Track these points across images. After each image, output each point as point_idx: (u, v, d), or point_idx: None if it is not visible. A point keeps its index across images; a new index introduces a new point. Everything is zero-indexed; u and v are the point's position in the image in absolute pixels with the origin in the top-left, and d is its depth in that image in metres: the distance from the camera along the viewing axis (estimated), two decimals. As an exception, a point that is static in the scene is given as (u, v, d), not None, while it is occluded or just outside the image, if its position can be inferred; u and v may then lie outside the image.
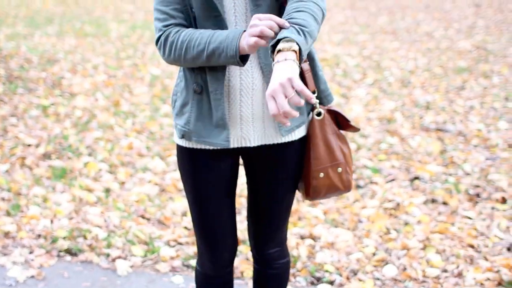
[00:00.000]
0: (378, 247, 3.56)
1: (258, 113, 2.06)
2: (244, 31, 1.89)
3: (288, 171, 2.18)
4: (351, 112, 6.11)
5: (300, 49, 1.73)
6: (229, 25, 2.00)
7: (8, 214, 3.97)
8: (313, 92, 2.07)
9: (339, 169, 2.14)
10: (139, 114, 6.15)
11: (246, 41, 1.83)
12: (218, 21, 1.99)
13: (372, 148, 5.18)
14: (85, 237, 3.66)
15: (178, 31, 2.01)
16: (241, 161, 2.26)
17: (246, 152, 2.18)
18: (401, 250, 3.50)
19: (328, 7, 13.74)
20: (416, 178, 4.56)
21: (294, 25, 1.78)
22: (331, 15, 12.56)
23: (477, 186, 4.40)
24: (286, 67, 1.67)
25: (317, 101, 2.09)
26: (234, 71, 2.03)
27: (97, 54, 8.75)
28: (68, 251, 3.54)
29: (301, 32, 1.77)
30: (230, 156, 2.16)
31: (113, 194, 4.31)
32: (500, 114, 6.09)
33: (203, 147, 2.11)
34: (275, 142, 2.11)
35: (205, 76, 2.05)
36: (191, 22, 2.05)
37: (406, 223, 3.85)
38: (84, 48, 9.28)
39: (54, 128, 5.61)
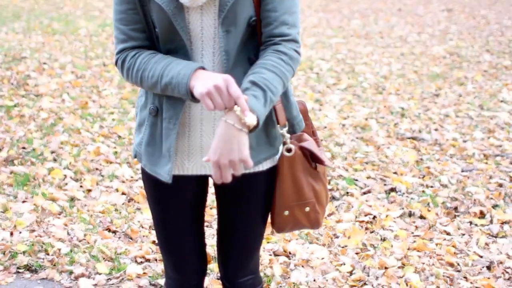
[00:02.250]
0: (355, 265, 3.42)
1: None
2: (200, 68, 1.77)
3: (256, 201, 2.05)
4: (325, 119, 5.98)
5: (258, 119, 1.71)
6: (195, 50, 1.87)
7: (-36, 226, 3.75)
8: (284, 125, 1.95)
9: (307, 209, 2.02)
10: (107, 117, 5.94)
11: (198, 90, 1.71)
12: (182, 46, 1.85)
13: (347, 157, 5.04)
14: (46, 252, 3.46)
15: (135, 55, 1.87)
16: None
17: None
18: (379, 270, 3.36)
19: (301, 8, 13.63)
20: (393, 190, 4.44)
21: (258, 87, 1.74)
22: (304, 17, 12.43)
23: (455, 199, 4.30)
24: (233, 138, 1.68)
25: (287, 136, 1.95)
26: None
27: (65, 52, 8.48)
28: (28, 268, 3.34)
29: (266, 101, 1.74)
30: (194, 183, 2.04)
31: (78, 204, 4.11)
32: (475, 123, 6.02)
33: None
34: (243, 170, 1.96)
35: (162, 98, 1.91)
36: (154, 42, 1.90)
37: (383, 239, 3.72)
38: (51, 46, 9.00)
39: (18, 131, 5.38)
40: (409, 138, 5.54)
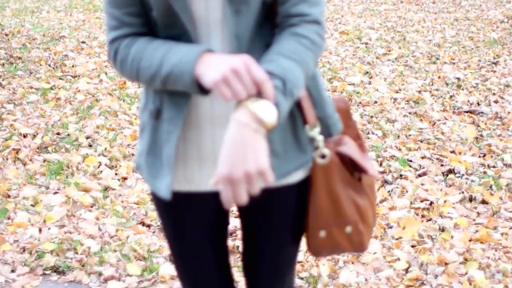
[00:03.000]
0: (412, 261, 3.08)
1: None
2: (207, 50, 1.40)
3: (286, 220, 1.67)
4: (375, 93, 5.59)
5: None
6: (200, 36, 1.49)
7: (-8, 221, 3.55)
8: (314, 126, 1.56)
9: (348, 229, 1.62)
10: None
11: (210, 77, 1.33)
12: (184, 31, 1.47)
13: (399, 135, 4.67)
14: (75, 251, 3.23)
15: (129, 44, 1.50)
16: None
17: None
18: (438, 266, 3.02)
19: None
20: (450, 171, 4.07)
21: (276, 77, 1.36)
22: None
23: (521, 181, 3.90)
24: (247, 142, 1.29)
25: (320, 138, 1.57)
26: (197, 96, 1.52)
27: (104, 30, 8.26)
28: (55, 269, 3.10)
29: (286, 94, 1.36)
30: (211, 200, 1.63)
31: (112, 194, 3.87)
32: (540, 93, 5.55)
33: None
34: (262, 186, 1.55)
35: (164, 98, 1.55)
36: (151, 28, 1.54)
37: (442, 229, 3.37)
38: (91, 24, 8.81)
39: (53, 115, 5.17)
40: (466, 112, 5.13)
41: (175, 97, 1.52)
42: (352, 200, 1.61)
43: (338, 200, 1.59)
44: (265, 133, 1.30)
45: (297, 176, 1.60)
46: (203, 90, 1.40)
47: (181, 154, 1.58)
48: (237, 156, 1.28)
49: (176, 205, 1.63)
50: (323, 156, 1.57)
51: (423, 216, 3.53)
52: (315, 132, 1.56)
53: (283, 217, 1.67)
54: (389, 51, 7.13)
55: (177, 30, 1.48)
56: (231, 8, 1.43)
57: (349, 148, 1.59)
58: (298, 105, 1.54)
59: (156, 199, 1.70)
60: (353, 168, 1.61)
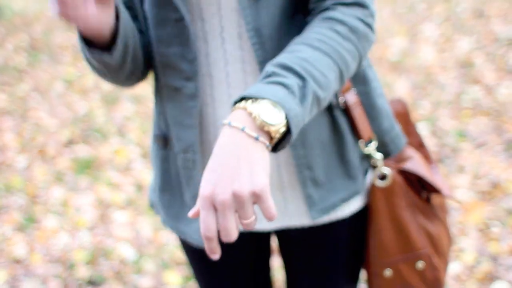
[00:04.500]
0: (480, 252, 2.75)
1: (271, 179, 1.24)
2: None
3: (336, 259, 1.35)
4: (418, 60, 5.19)
5: (288, 126, 0.93)
6: (210, 33, 1.16)
7: (21, 228, 3.31)
8: (369, 140, 1.25)
9: (419, 264, 1.32)
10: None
11: None
12: (182, 28, 1.14)
13: (452, 102, 4.30)
14: (109, 258, 2.97)
15: None
16: None
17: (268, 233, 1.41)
18: (510, 256, 2.69)
19: None
20: (512, 141, 3.70)
21: (291, 71, 0.98)
22: None
23: None
24: (241, 152, 0.89)
25: (378, 155, 1.27)
26: (207, 109, 1.21)
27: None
28: (89, 281, 2.86)
29: (305, 97, 0.96)
30: (250, 240, 1.38)
31: (146, 189, 3.61)
32: None
33: None
34: (304, 224, 1.28)
35: (167, 118, 1.26)
36: (140, 26, 1.23)
37: (510, 211, 3.02)
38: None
39: (81, 105, 4.91)
40: (522, 71, 4.72)
41: (179, 120, 1.22)
42: (423, 227, 1.32)
43: (406, 229, 1.30)
44: (268, 145, 0.92)
45: (347, 209, 1.29)
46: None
47: None
48: (225, 170, 0.87)
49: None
50: (383, 177, 1.27)
51: (487, 195, 3.19)
52: (371, 149, 1.26)
53: (333, 258, 1.35)
54: (431, 7, 6.69)
55: (172, 27, 1.15)
56: None
57: (415, 163, 1.29)
58: (346, 117, 1.23)
59: (183, 244, 1.41)
60: (421, 188, 1.30)
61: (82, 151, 4.13)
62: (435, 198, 1.35)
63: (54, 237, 3.20)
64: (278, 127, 0.91)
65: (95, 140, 4.28)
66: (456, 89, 4.51)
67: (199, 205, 0.88)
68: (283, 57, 1.00)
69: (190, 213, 0.91)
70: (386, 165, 1.27)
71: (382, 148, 1.29)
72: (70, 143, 4.29)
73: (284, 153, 1.21)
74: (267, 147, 0.91)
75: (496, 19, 6.01)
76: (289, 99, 0.93)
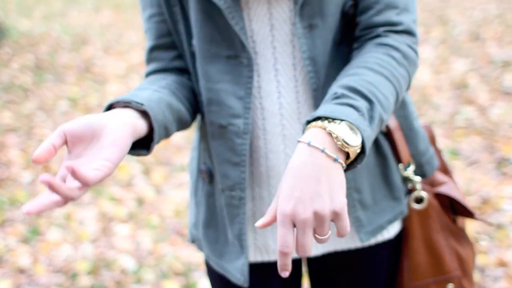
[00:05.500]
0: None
1: None
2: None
3: (374, 281, 1.38)
4: (414, 81, 5.32)
5: (363, 146, 0.97)
6: (263, 65, 1.19)
7: (25, 240, 3.41)
8: (408, 164, 1.31)
9: (449, 287, 1.37)
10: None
11: None
12: (239, 60, 1.17)
13: (446, 122, 4.41)
14: (111, 268, 3.07)
15: None
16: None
17: (306, 261, 1.44)
18: (497, 268, 2.78)
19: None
20: (503, 159, 3.80)
21: (360, 94, 1.01)
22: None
23: None
24: (321, 173, 0.90)
25: (416, 179, 1.32)
26: (272, 140, 1.23)
27: (134, 28, 8.13)
28: (90, 290, 2.96)
29: (373, 119, 1.00)
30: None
31: (147, 203, 3.71)
32: None
33: None
34: (351, 247, 1.33)
35: (212, 155, 1.28)
36: (185, 62, 1.27)
37: (499, 226, 3.12)
38: (121, 21, 8.68)
39: (84, 122, 5.03)
40: (515, 92, 4.83)
41: (224, 158, 1.23)
42: (455, 251, 1.37)
43: (438, 252, 1.35)
44: (344, 166, 0.94)
45: (392, 231, 1.34)
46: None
47: (250, 220, 1.31)
48: (306, 189, 0.89)
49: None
50: (419, 201, 1.33)
51: (477, 210, 3.29)
52: (410, 172, 1.31)
53: (373, 280, 1.39)
54: (429, 30, 6.82)
55: (227, 60, 1.18)
56: (302, 23, 1.13)
57: (450, 187, 1.35)
58: (388, 140, 1.29)
59: (216, 276, 1.41)
60: (452, 211, 1.37)
61: (85, 167, 4.24)
62: (461, 221, 1.41)
63: (58, 248, 3.30)
64: (356, 148, 0.93)
65: (98, 157, 4.39)
66: (451, 109, 4.62)
67: (278, 221, 0.89)
68: (350, 80, 1.03)
69: (259, 224, 0.92)
70: (422, 188, 1.33)
71: (419, 169, 1.35)
72: (73, 159, 4.40)
73: None
74: (343, 168, 0.93)
75: (491, 42, 6.14)
76: (362, 121, 0.96)
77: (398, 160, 1.30)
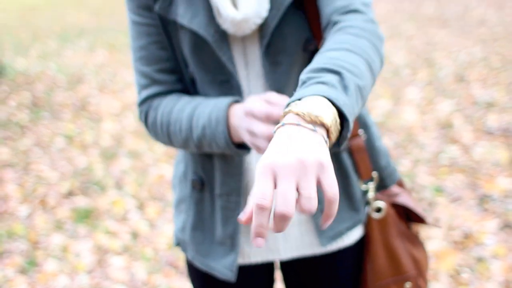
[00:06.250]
0: (450, 295, 2.97)
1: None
2: (235, 101, 1.27)
3: (339, 283, 1.53)
4: (403, 116, 5.49)
5: (343, 119, 0.95)
6: (243, 91, 1.34)
7: (23, 271, 3.52)
8: (370, 179, 1.46)
9: (407, 285, 1.52)
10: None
11: (251, 140, 1.19)
12: (227, 88, 1.34)
13: (431, 161, 4.57)
14: (106, 299, 3.18)
15: (157, 106, 1.38)
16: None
17: (278, 265, 1.59)
18: (479, 299, 2.91)
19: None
20: (485, 196, 3.95)
21: (326, 70, 1.00)
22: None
23: (559, 203, 3.77)
24: (304, 137, 0.83)
25: (372, 191, 1.47)
26: (250, 158, 1.40)
27: (129, 67, 8.31)
28: (86, 319, 3.06)
29: (347, 88, 0.97)
30: (258, 273, 1.55)
31: (141, 236, 3.83)
32: None
33: None
34: (315, 252, 1.48)
35: (210, 166, 1.43)
36: (186, 86, 1.42)
37: (480, 259, 3.26)
38: (115, 60, 8.87)
39: (80, 160, 5.16)
40: (498, 133, 5.00)
41: (227, 168, 1.40)
42: (410, 253, 1.52)
43: (396, 255, 1.50)
44: (327, 141, 0.86)
45: (352, 237, 1.49)
46: (242, 147, 1.29)
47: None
48: (289, 146, 0.81)
49: (224, 282, 1.52)
50: (378, 210, 1.48)
51: (459, 244, 3.42)
52: (370, 186, 1.47)
53: (338, 282, 1.53)
54: (415, 72, 7.03)
55: (216, 87, 1.35)
56: (267, 59, 1.30)
57: (404, 197, 1.51)
58: (351, 158, 1.45)
59: (199, 277, 1.57)
60: (407, 218, 1.53)
61: (81, 202, 4.36)
62: (415, 227, 1.57)
63: (54, 279, 3.40)
64: (331, 118, 0.88)
65: (94, 192, 4.51)
66: (435, 148, 4.78)
67: (256, 174, 0.79)
68: (312, 64, 1.02)
69: (243, 217, 0.86)
70: (380, 199, 1.48)
71: (380, 182, 1.51)
72: (70, 194, 4.52)
73: None
74: (326, 142, 0.85)
75: (475, 84, 6.35)
76: (332, 91, 0.92)
77: (360, 175, 1.45)
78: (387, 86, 6.57)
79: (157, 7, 1.33)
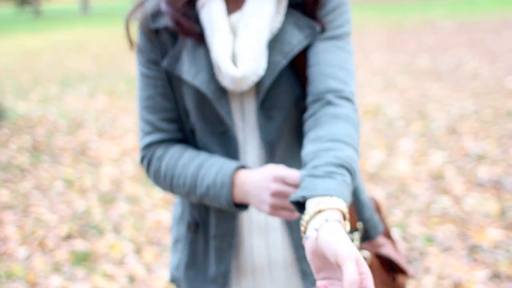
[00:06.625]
0: None
1: (277, 258, 1.55)
2: (239, 167, 1.41)
3: None
4: (396, 167, 5.62)
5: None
6: (238, 142, 1.49)
7: (21, 312, 3.59)
8: (355, 229, 1.55)
9: None
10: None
11: (262, 209, 1.35)
12: (224, 139, 1.48)
13: (423, 211, 4.68)
14: None
15: (161, 156, 1.50)
16: None
17: None
18: None
19: (365, 47, 13.33)
20: (475, 246, 4.05)
21: (347, 169, 1.23)
22: (366, 56, 12.13)
23: (546, 255, 3.87)
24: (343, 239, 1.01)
25: (357, 241, 1.55)
26: None
27: (128, 113, 8.46)
28: None
29: (346, 179, 1.21)
30: None
31: (138, 280, 3.90)
32: (561, 163, 5.53)
33: None
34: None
35: (205, 210, 1.55)
36: (186, 135, 1.55)
37: (469, 308, 3.34)
38: (115, 106, 9.02)
39: (79, 204, 5.26)
40: (489, 185, 5.12)
41: (222, 213, 1.52)
42: None
43: None
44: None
45: None
46: (241, 206, 1.42)
47: (234, 261, 1.58)
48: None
49: None
50: None
51: (449, 294, 3.51)
52: (355, 236, 1.53)
53: None
54: (409, 124, 7.19)
55: (215, 138, 1.48)
56: (262, 113, 1.45)
57: (388, 249, 1.60)
58: None
59: None
60: (390, 269, 1.60)
61: (80, 245, 4.44)
62: (400, 279, 1.64)
63: (52, 321, 3.47)
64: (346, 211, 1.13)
65: (92, 236, 4.60)
66: (427, 198, 4.90)
67: (350, 260, 0.96)
68: (337, 156, 1.23)
69: (321, 285, 0.99)
70: (365, 249, 1.57)
71: (365, 233, 1.60)
72: (68, 237, 4.61)
73: (287, 238, 1.53)
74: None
75: (467, 136, 6.49)
76: (347, 192, 1.18)
77: None
78: (381, 137, 6.71)
79: (165, 63, 1.47)
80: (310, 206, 1.11)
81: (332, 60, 1.40)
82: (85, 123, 7.94)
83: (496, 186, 5.08)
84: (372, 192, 5.06)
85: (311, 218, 1.09)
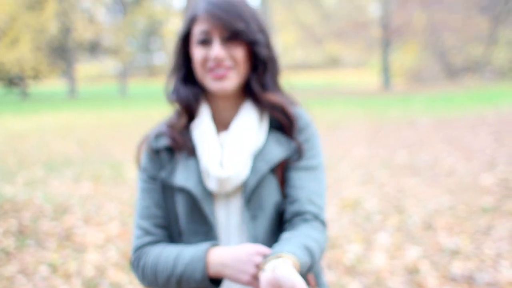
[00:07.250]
0: None
1: None
2: (215, 245, 1.69)
3: None
4: (370, 265, 5.80)
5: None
6: (221, 240, 1.78)
7: None
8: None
9: None
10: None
11: (242, 279, 1.60)
12: (208, 239, 1.75)
13: (397, 304, 4.84)
14: None
15: (149, 251, 1.78)
16: None
17: None
18: None
19: (347, 140, 13.70)
20: None
21: (309, 253, 1.63)
22: (346, 151, 12.46)
23: None
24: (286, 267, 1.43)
25: None
26: None
27: (113, 200, 8.63)
28: None
29: (305, 251, 1.58)
30: None
31: None
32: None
33: None
34: None
35: None
36: (174, 238, 1.82)
37: None
38: (100, 192, 9.19)
39: None
40: (462, 280, 5.31)
41: None
42: None
43: None
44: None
45: None
46: (215, 283, 1.65)
47: None
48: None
49: None
50: None
51: None
52: None
53: None
54: (386, 218, 7.42)
55: (200, 237, 1.74)
56: (248, 213, 1.72)
57: None
58: None
59: None
60: None
61: (63, 330, 4.54)
62: None
63: None
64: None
65: (75, 321, 4.70)
66: (402, 292, 5.07)
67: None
68: (305, 241, 1.61)
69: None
70: None
71: None
72: (51, 322, 4.70)
73: None
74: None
75: (442, 232, 6.73)
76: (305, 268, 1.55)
77: None
78: (359, 231, 6.92)
79: (162, 174, 1.80)
80: (272, 256, 1.48)
81: (312, 188, 1.77)
82: (71, 208, 8.09)
83: (469, 281, 5.27)
84: (349, 286, 5.23)
85: (270, 260, 1.46)
